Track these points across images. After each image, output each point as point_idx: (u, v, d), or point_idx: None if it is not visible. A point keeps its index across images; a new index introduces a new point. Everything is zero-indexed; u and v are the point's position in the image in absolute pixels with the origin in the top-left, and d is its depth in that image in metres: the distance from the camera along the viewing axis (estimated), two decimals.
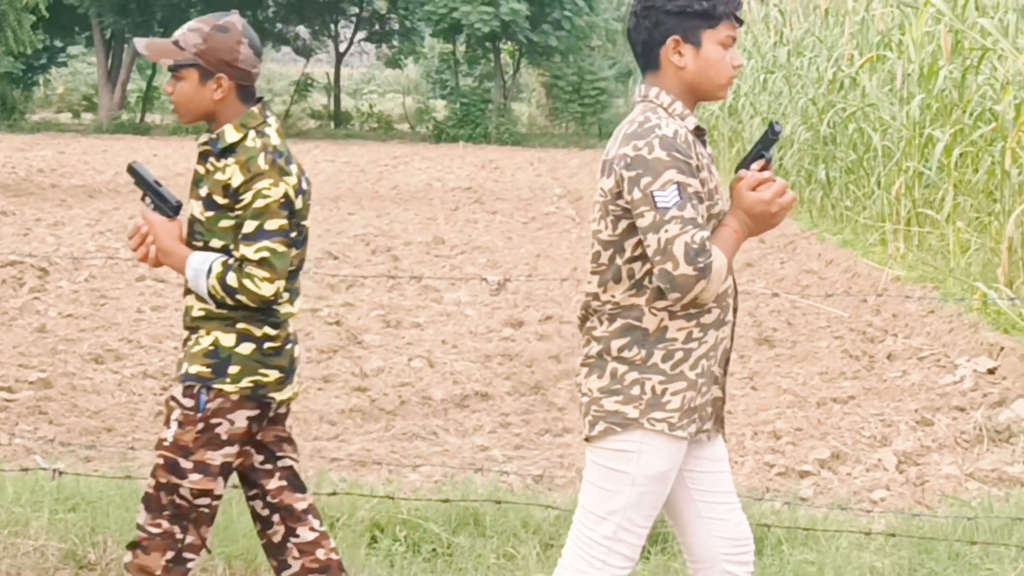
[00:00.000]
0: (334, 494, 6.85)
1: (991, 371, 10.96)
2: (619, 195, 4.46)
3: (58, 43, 47.90)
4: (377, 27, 54.63)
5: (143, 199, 5.22)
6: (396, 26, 54.08)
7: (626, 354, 4.49)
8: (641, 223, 4.38)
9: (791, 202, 4.66)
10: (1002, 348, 11.18)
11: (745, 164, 4.67)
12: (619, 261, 4.51)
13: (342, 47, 54.49)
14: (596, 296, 4.56)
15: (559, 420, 9.80)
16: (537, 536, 6.52)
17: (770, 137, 4.76)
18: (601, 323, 4.54)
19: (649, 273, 4.42)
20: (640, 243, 4.43)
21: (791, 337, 12.77)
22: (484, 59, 50.07)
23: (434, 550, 6.51)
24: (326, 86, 54.78)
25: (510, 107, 51.04)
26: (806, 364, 11.69)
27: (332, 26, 54.31)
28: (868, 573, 6.21)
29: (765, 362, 11.79)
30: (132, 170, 5.32)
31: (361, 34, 54.90)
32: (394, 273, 15.91)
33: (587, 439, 4.59)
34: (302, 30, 55.01)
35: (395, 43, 55.25)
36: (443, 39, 50.07)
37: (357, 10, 53.60)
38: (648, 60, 4.68)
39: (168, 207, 5.19)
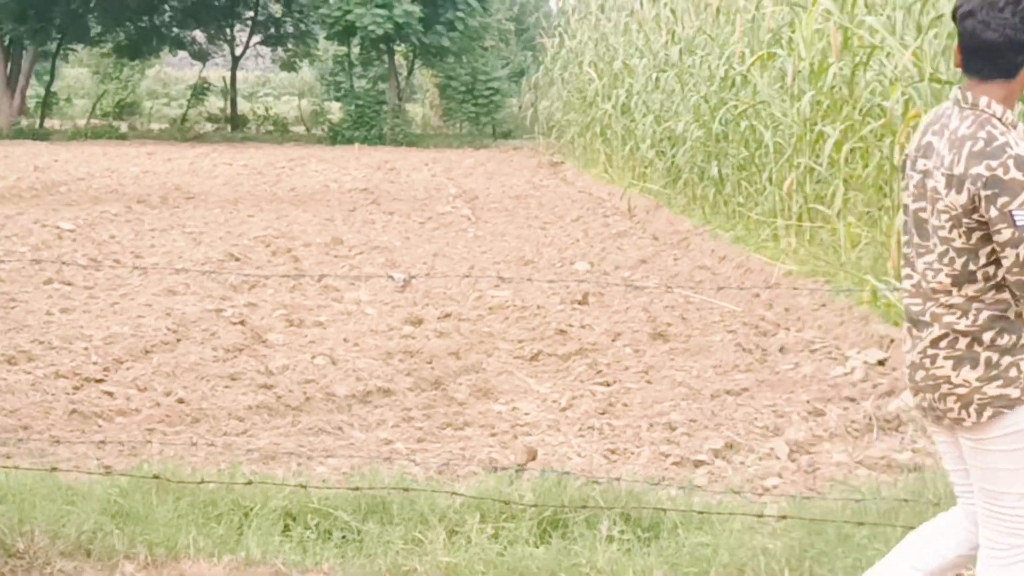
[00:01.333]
0: (249, 483, 6.94)
1: (881, 362, 11.16)
2: (974, 210, 4.64)
3: None
4: (272, 31, 54.41)
5: None
6: (291, 29, 53.89)
7: (999, 342, 4.74)
8: (999, 238, 4.61)
9: None
10: (892, 340, 11.35)
11: None
12: (973, 266, 4.74)
13: (238, 51, 54.22)
14: (948, 293, 4.80)
15: (460, 414, 9.86)
16: (443, 522, 6.61)
17: None
18: (964, 318, 4.78)
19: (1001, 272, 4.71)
20: (994, 251, 4.67)
21: (685, 331, 12.85)
22: (378, 61, 49.98)
23: (344, 537, 6.60)
24: (222, 90, 54.55)
25: (404, 108, 50.91)
26: (700, 357, 11.79)
27: (228, 30, 54.00)
28: (761, 554, 6.32)
29: (660, 356, 11.86)
30: None
31: (256, 38, 54.66)
32: (295, 273, 15.96)
33: (971, 427, 4.82)
34: (198, 34, 54.66)
35: (290, 46, 55.08)
36: (337, 42, 49.77)
37: (252, 14, 53.35)
38: (997, 66, 4.74)
39: None
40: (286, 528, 6.69)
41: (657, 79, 25.77)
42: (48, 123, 50.11)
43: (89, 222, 20.87)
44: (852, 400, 10.22)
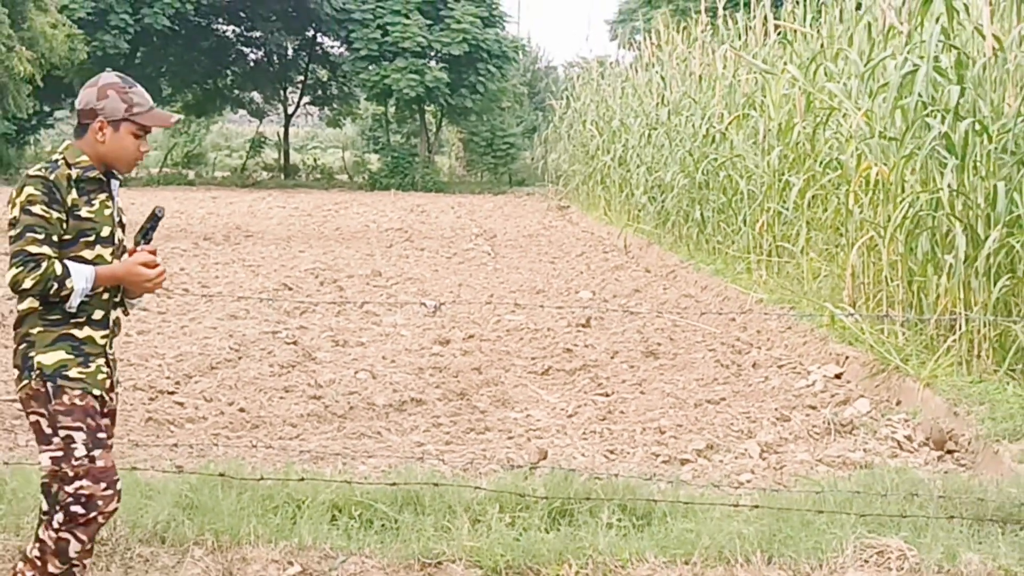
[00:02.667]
0: (302, 480, 6.95)
1: (837, 376, 11.20)
2: None
3: (47, 107, 47.37)
4: (319, 92, 54.33)
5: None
6: (336, 91, 53.80)
7: None
8: None
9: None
10: (847, 357, 11.39)
11: None
12: None
13: (290, 109, 54.20)
14: None
15: (481, 421, 9.88)
16: (467, 513, 6.63)
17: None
18: None
19: None
20: None
21: (673, 350, 12.88)
22: (411, 119, 50.00)
23: (383, 525, 6.61)
24: (276, 143, 54.50)
25: (433, 160, 50.95)
26: (685, 372, 11.83)
27: (281, 92, 53.94)
28: (736, 538, 6.35)
29: (651, 371, 11.90)
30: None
31: (306, 99, 54.57)
32: (340, 300, 16.01)
33: None
34: (256, 95, 54.67)
35: (335, 106, 54.95)
36: (376, 102, 49.83)
37: (302, 78, 53.38)
38: None
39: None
40: (333, 518, 6.70)
41: (649, 135, 25.69)
42: None
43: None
44: (813, 408, 10.26)
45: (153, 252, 5.32)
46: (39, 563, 5.18)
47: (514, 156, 51.13)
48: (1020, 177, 10.45)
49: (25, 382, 5.12)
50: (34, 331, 5.11)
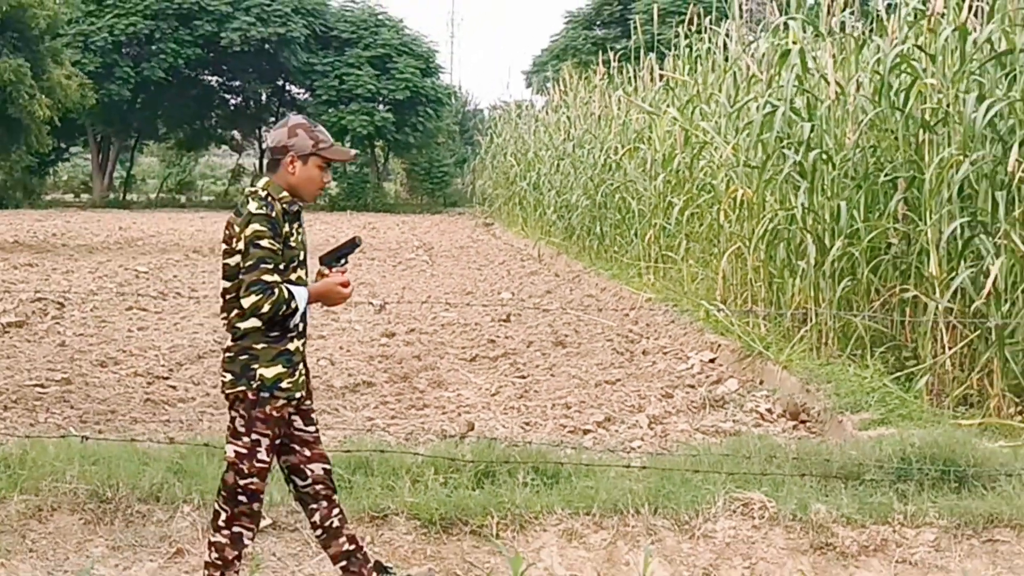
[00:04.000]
0: None
1: (712, 360, 11.22)
2: None
3: (63, 144, 46.96)
4: None
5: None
6: None
7: None
8: None
9: None
10: (719, 345, 11.43)
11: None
12: None
13: (264, 145, 53.93)
14: None
15: (421, 399, 9.83)
16: (408, 475, 6.57)
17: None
18: None
19: None
20: None
21: (577, 340, 12.87)
22: (363, 152, 49.88)
23: (339, 485, 6.34)
24: (253, 172, 54.16)
25: (382, 185, 50.96)
26: (587, 358, 11.83)
27: (257, 130, 53.67)
28: (629, 493, 6.34)
29: (560, 357, 11.89)
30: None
31: None
32: None
33: None
34: (236, 134, 54.41)
35: None
36: (335, 139, 49.60)
37: (274, 119, 53.10)
38: None
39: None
40: None
41: (558, 165, 25.72)
42: (129, 196, 49.40)
43: (158, 266, 20.71)
44: (692, 387, 10.27)
45: (344, 272, 5.20)
46: (219, 563, 5.14)
47: (448, 182, 51.26)
48: (858, 197, 10.53)
49: (241, 388, 5.01)
50: (258, 347, 5.00)
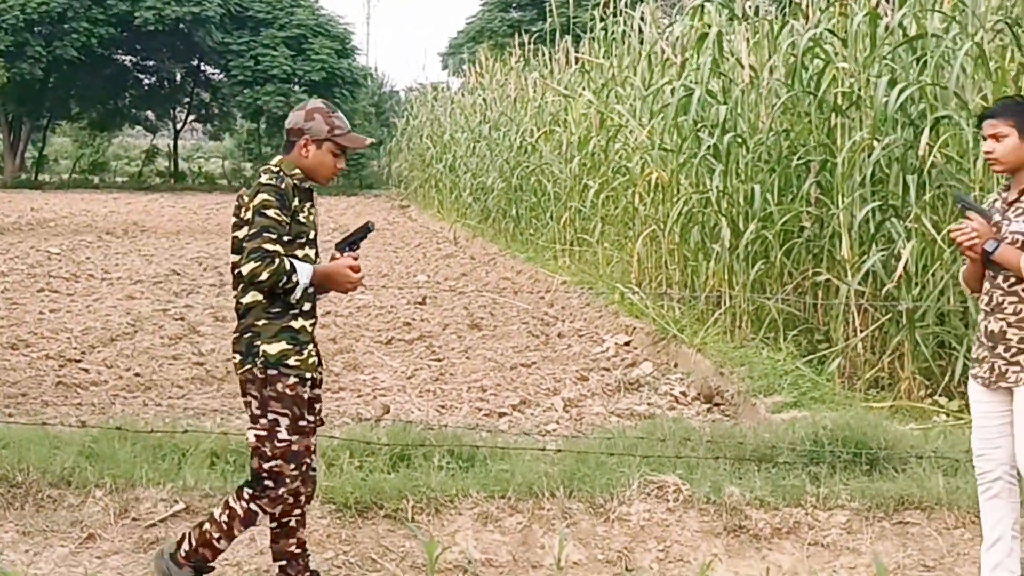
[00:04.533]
0: (186, 432, 6.79)
1: (627, 343, 11.24)
2: None
3: None
4: (203, 112, 53.60)
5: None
6: (216, 111, 53.09)
7: None
8: None
9: None
10: (634, 328, 11.46)
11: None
12: None
13: (178, 126, 53.40)
14: None
15: (336, 382, 9.73)
16: (324, 458, 6.42)
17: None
18: None
19: None
20: None
21: (493, 323, 12.83)
22: (279, 134, 49.33)
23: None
24: (167, 153, 53.44)
25: None
26: (503, 341, 11.80)
27: (171, 111, 53.12)
28: (544, 476, 6.30)
29: (475, 340, 11.84)
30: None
31: (192, 117, 53.94)
32: (220, 283, 15.68)
33: None
34: (150, 114, 53.79)
35: (216, 123, 54.38)
36: (250, 120, 49.37)
37: (188, 100, 52.66)
38: None
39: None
40: (212, 463, 6.51)
41: (474, 147, 25.69)
42: (41, 177, 48.63)
43: (71, 247, 20.34)
44: (607, 370, 10.29)
45: (356, 258, 5.14)
46: (225, 527, 5.02)
47: (364, 165, 50.89)
48: (772, 181, 10.59)
49: (248, 367, 4.90)
50: (259, 323, 4.89)
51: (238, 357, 4.95)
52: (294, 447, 4.95)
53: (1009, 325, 5.04)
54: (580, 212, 16.30)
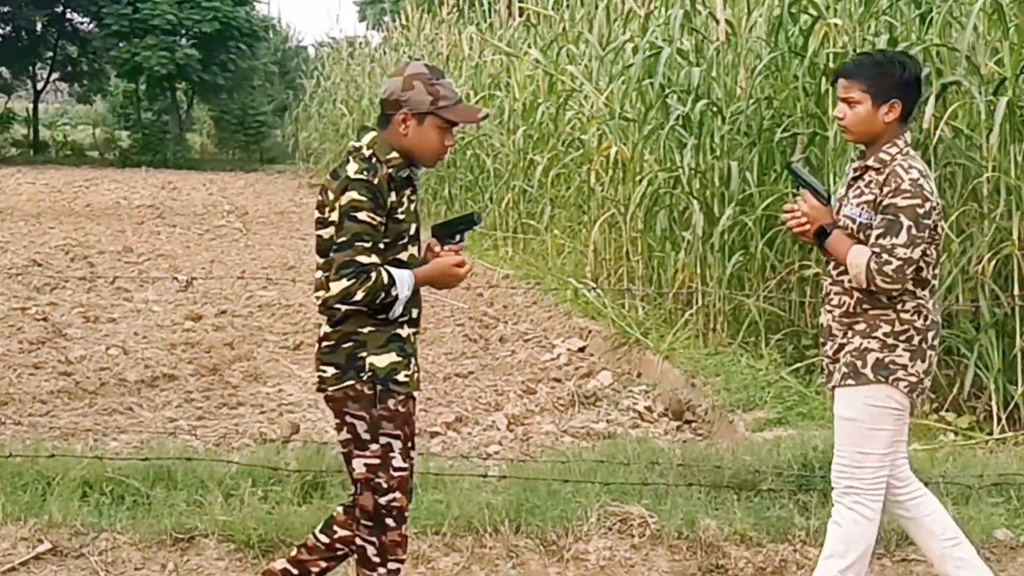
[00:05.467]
0: (52, 456, 6.75)
1: (581, 349, 11.33)
2: None
3: None
4: (69, 69, 53.01)
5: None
6: (86, 68, 52.51)
7: None
8: None
9: None
10: (590, 331, 11.54)
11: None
12: None
13: (39, 85, 52.84)
14: None
15: (234, 395, 9.77)
16: (220, 487, 6.51)
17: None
18: None
19: None
20: None
21: (422, 325, 12.85)
22: (162, 96, 49.05)
23: (135, 501, 6.45)
24: (25, 119, 52.79)
25: (185, 137, 50.24)
26: (434, 346, 11.85)
27: (30, 67, 52.46)
28: (485, 508, 6.35)
29: None
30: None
31: (55, 75, 53.33)
32: (90, 276, 15.61)
33: None
34: (3, 70, 53.06)
35: (85, 82, 53.76)
36: (127, 79, 48.79)
37: (52, 54, 52.05)
38: None
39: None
40: (84, 494, 6.49)
41: None
42: None
43: None
44: (558, 380, 10.36)
45: (459, 251, 4.99)
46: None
47: (265, 134, 50.68)
48: (751, 157, 10.69)
49: (349, 382, 4.76)
50: (364, 330, 4.76)
51: (331, 370, 4.83)
52: (407, 475, 4.88)
53: (834, 319, 5.21)
54: (525, 193, 16.36)
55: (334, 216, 4.75)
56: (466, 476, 6.88)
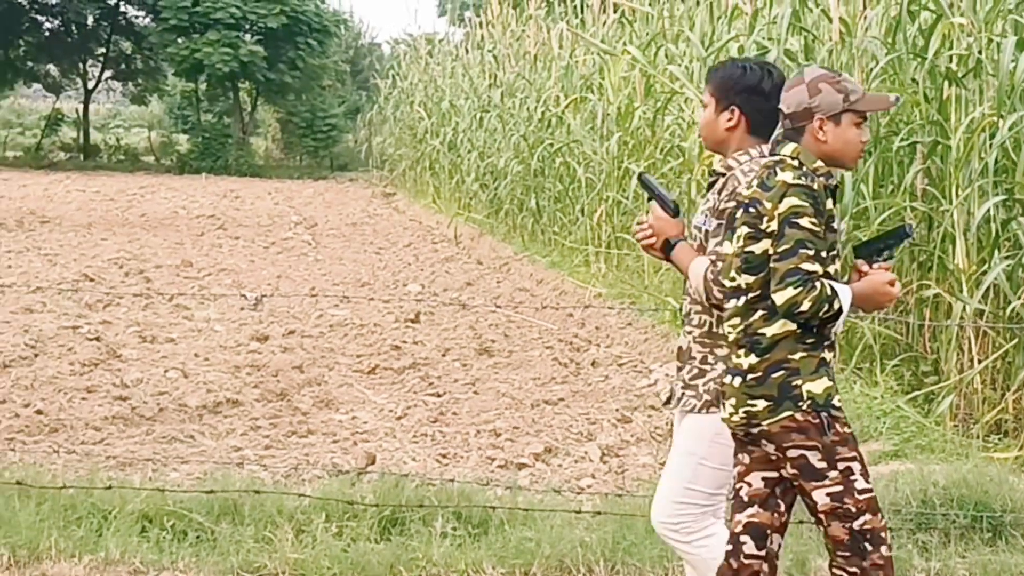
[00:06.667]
0: (109, 487, 6.84)
1: None
2: None
3: None
4: (123, 66, 53.57)
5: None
6: (141, 65, 53.08)
7: None
8: None
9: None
10: None
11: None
12: None
13: (90, 84, 53.35)
14: None
15: (304, 423, 9.83)
16: (291, 522, 6.59)
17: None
18: None
19: None
20: None
21: (508, 347, 12.94)
22: (224, 97, 49.51)
23: (199, 536, 6.53)
24: (75, 120, 53.36)
25: (248, 141, 50.56)
26: (521, 371, 11.89)
27: (80, 65, 53.03)
28: (578, 546, 6.41)
29: (485, 369, 11.94)
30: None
31: (108, 73, 53.82)
32: (147, 292, 15.79)
33: None
34: (52, 68, 53.69)
35: (140, 81, 54.24)
36: (185, 78, 49.18)
37: (104, 51, 52.55)
38: None
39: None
40: (143, 529, 6.58)
41: (481, 119, 25.75)
42: None
43: None
44: (655, 408, 10.35)
45: (890, 269, 5.10)
46: None
47: (336, 139, 50.95)
48: (866, 168, 10.66)
49: (787, 413, 4.85)
50: (795, 356, 4.86)
51: (763, 404, 4.90)
52: (873, 495, 4.96)
53: (694, 340, 5.26)
54: (620, 204, 16.39)
55: (772, 226, 4.84)
56: (557, 512, 6.92)
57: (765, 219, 4.83)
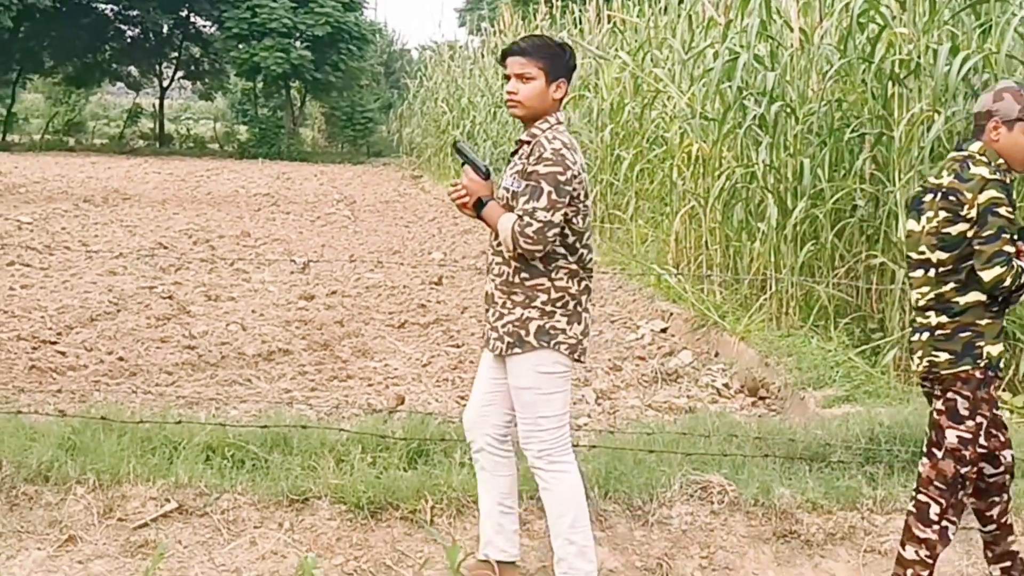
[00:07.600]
0: (179, 423, 6.79)
1: (663, 330, 11.30)
2: None
3: None
4: (192, 68, 53.61)
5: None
6: (207, 67, 53.09)
7: None
8: None
9: None
10: (671, 313, 11.51)
11: None
12: None
13: (165, 83, 53.42)
14: None
15: (344, 369, 9.79)
16: (332, 453, 6.52)
17: None
18: None
19: None
20: None
21: None
22: (277, 94, 49.41)
23: (254, 465, 6.47)
24: (152, 113, 53.39)
25: (298, 131, 50.59)
26: None
27: (157, 67, 53.11)
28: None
29: None
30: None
31: (180, 73, 53.89)
32: (212, 258, 15.79)
33: None
34: (133, 69, 53.74)
35: (207, 81, 54.33)
36: (245, 78, 49.17)
37: (176, 55, 52.62)
38: None
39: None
40: (207, 458, 6.52)
41: (495, 113, 25.73)
42: (9, 137, 48.48)
43: (44, 216, 20.40)
44: (642, 359, 10.34)
45: None
46: (929, 559, 5.27)
47: (372, 129, 51.02)
48: (823, 155, 10.63)
49: (965, 367, 5.13)
50: (981, 322, 5.13)
51: (945, 355, 5.17)
52: (984, 452, 5.29)
53: (496, 287, 5.27)
54: (612, 186, 16.33)
55: (971, 212, 5.06)
56: None
57: (965, 207, 5.05)
